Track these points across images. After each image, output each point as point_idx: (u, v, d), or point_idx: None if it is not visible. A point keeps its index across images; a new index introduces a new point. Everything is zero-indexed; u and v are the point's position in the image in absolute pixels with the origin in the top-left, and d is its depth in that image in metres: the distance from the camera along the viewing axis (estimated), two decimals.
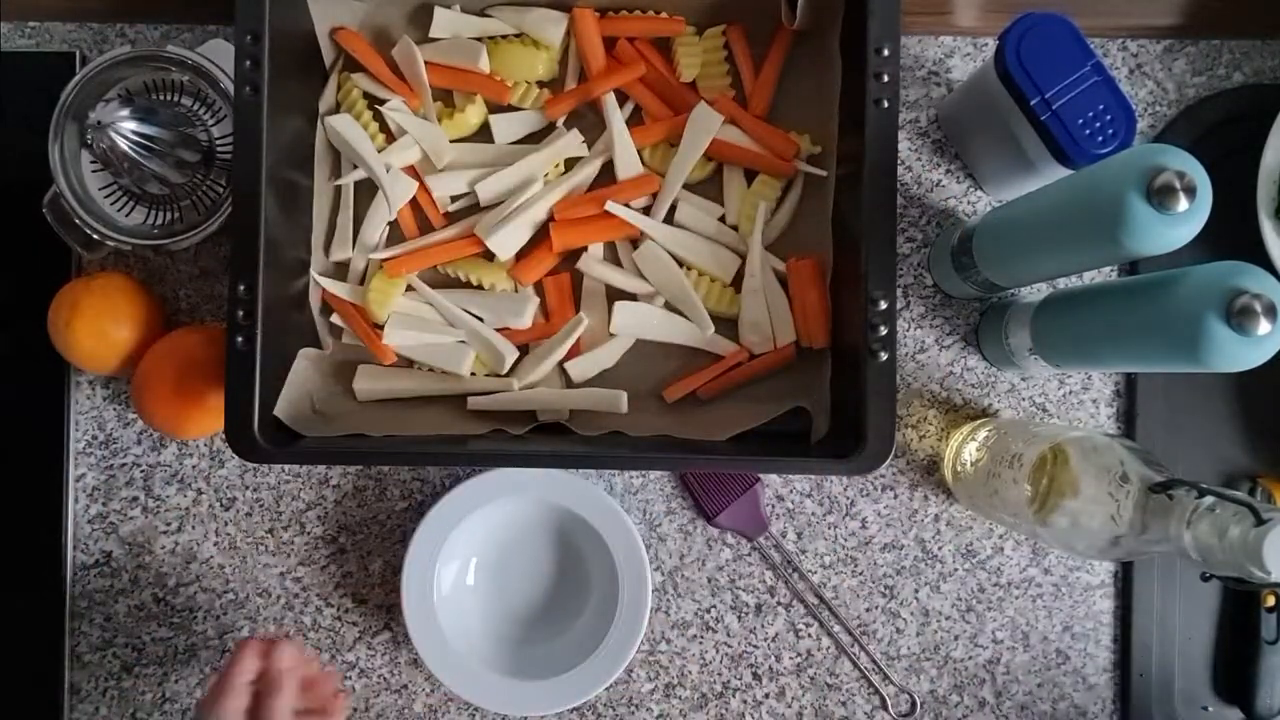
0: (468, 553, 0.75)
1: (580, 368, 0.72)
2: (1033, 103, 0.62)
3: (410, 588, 0.72)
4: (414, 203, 0.74)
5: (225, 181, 0.73)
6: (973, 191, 0.76)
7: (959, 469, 0.71)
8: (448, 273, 0.74)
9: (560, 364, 0.72)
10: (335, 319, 0.73)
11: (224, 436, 0.65)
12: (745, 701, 0.76)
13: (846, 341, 0.68)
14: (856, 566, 0.76)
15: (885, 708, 0.75)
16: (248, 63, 0.64)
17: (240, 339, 0.64)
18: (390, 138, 0.73)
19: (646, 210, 0.73)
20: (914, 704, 0.75)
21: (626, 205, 0.72)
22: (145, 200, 0.73)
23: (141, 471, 0.76)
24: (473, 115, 0.73)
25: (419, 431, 0.70)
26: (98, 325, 0.70)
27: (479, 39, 0.73)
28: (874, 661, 0.75)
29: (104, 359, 0.71)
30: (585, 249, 0.73)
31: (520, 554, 0.76)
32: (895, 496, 0.76)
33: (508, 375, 0.72)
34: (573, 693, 0.72)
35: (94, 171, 0.73)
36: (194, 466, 0.76)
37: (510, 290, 0.73)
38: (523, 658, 0.74)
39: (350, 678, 0.76)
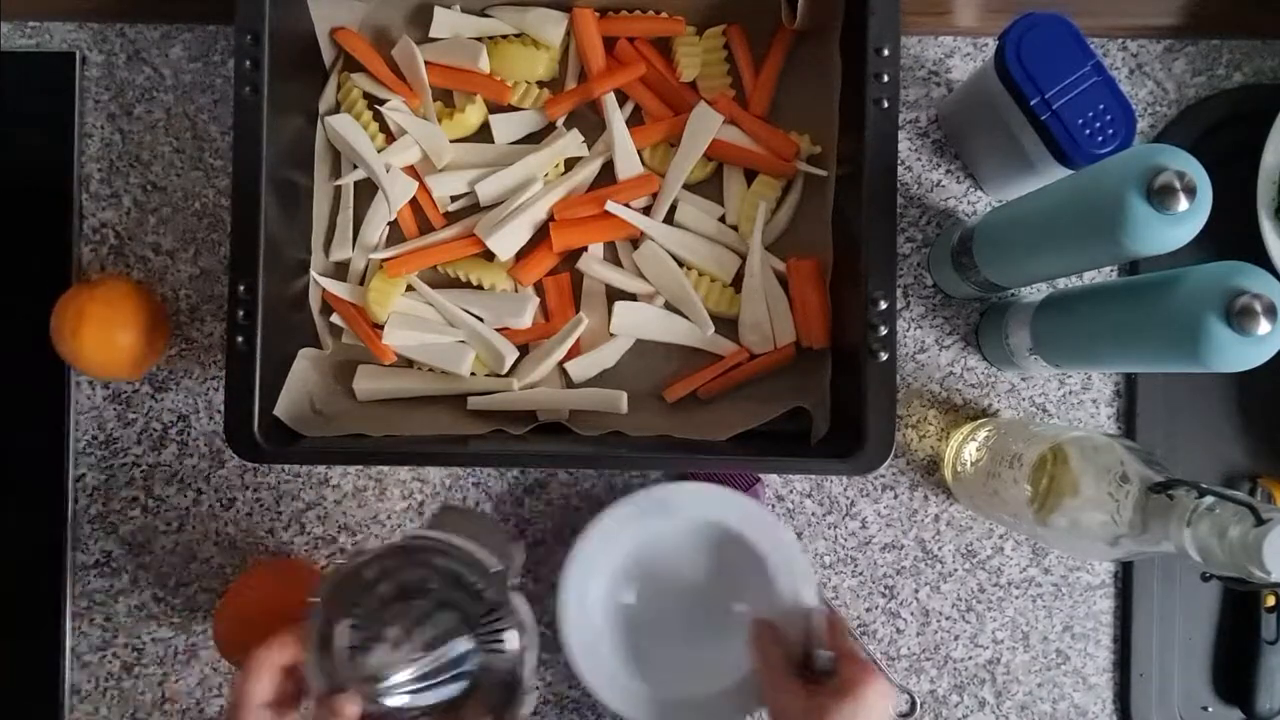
0: (621, 570, 0.72)
1: (580, 368, 0.72)
2: (1033, 103, 0.62)
3: (568, 609, 0.69)
4: (414, 203, 0.74)
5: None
6: (973, 191, 0.76)
7: (959, 469, 0.72)
8: (448, 273, 0.74)
9: (560, 364, 0.72)
10: (335, 319, 0.73)
11: (224, 437, 0.65)
12: None
13: (846, 341, 0.68)
14: (856, 566, 0.76)
15: None
16: (248, 63, 0.64)
17: (240, 339, 0.64)
18: (390, 138, 0.73)
19: (646, 210, 0.73)
20: (914, 704, 0.75)
21: (626, 205, 0.72)
22: None
23: (141, 471, 0.76)
24: (473, 115, 0.73)
25: (419, 431, 0.70)
26: (105, 333, 0.69)
27: (479, 39, 0.73)
28: (873, 661, 0.75)
29: (112, 365, 0.70)
30: (585, 249, 0.73)
31: (674, 569, 0.73)
32: (895, 496, 0.76)
33: (508, 375, 0.72)
34: (737, 709, 0.69)
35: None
36: (194, 466, 0.76)
37: (510, 290, 0.73)
38: (680, 675, 0.71)
39: None
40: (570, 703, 0.76)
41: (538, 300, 0.73)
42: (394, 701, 0.53)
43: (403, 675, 0.52)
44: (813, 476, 0.76)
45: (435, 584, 0.56)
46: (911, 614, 0.76)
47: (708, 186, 0.75)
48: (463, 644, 0.54)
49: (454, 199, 0.74)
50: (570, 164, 0.74)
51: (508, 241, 0.71)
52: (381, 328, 0.72)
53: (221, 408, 0.74)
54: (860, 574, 0.76)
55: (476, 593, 0.56)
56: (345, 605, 0.55)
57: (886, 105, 0.64)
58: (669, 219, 0.73)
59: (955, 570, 0.76)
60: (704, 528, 0.71)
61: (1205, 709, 0.74)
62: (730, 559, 0.72)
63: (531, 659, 0.56)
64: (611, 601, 0.72)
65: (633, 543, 0.71)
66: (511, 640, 0.56)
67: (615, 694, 0.69)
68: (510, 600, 0.56)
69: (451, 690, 0.54)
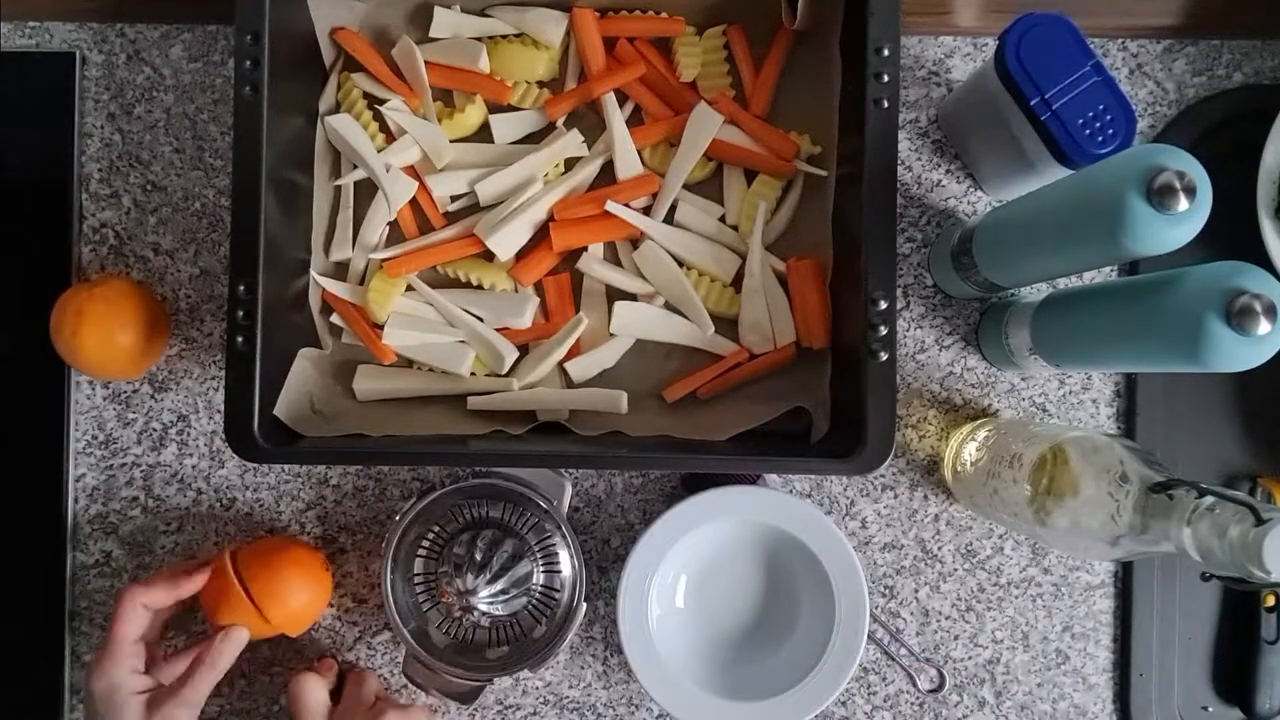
0: (677, 573, 0.73)
1: (580, 368, 0.72)
2: (1033, 103, 0.62)
3: (626, 611, 0.69)
4: (414, 203, 0.74)
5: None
6: (973, 191, 0.76)
7: (959, 469, 0.71)
8: (448, 273, 0.74)
9: (560, 364, 0.72)
10: (335, 319, 0.73)
11: (224, 437, 0.65)
12: None
13: (846, 341, 0.68)
14: None
15: (914, 684, 0.75)
16: (248, 63, 0.64)
17: (240, 339, 0.64)
18: (390, 138, 0.73)
19: (646, 210, 0.73)
20: (942, 680, 0.75)
21: (626, 205, 0.72)
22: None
23: (141, 471, 0.76)
24: (473, 115, 0.73)
25: (419, 431, 0.70)
26: (105, 333, 0.69)
27: (479, 39, 0.73)
28: (894, 636, 0.75)
29: (112, 365, 0.70)
30: (585, 249, 0.73)
31: (728, 573, 0.74)
32: (895, 496, 0.76)
33: (508, 375, 0.72)
34: (792, 713, 0.70)
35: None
36: (194, 466, 0.76)
37: (510, 290, 0.73)
38: (734, 678, 0.72)
39: None
40: (570, 703, 0.76)
41: (538, 300, 0.73)
42: (480, 608, 0.66)
43: (487, 590, 0.66)
44: (813, 476, 0.76)
45: (500, 514, 0.69)
46: (911, 614, 0.76)
47: (708, 186, 0.75)
48: (526, 565, 0.67)
49: (454, 199, 0.74)
50: (570, 164, 0.74)
51: (508, 241, 0.71)
52: (381, 328, 0.72)
53: (221, 408, 0.74)
54: None
55: (535, 523, 0.68)
56: (423, 532, 0.69)
57: (886, 105, 0.64)
58: (669, 219, 0.73)
59: (955, 570, 0.76)
60: (763, 532, 0.72)
61: (1205, 709, 0.74)
62: (788, 565, 0.73)
63: (581, 579, 0.68)
64: (670, 604, 0.73)
65: (691, 546, 0.72)
66: (565, 561, 0.68)
67: (671, 696, 0.70)
68: (563, 528, 0.68)
69: (519, 604, 0.68)
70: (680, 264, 0.73)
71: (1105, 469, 0.55)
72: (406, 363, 0.73)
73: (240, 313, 0.64)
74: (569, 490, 0.73)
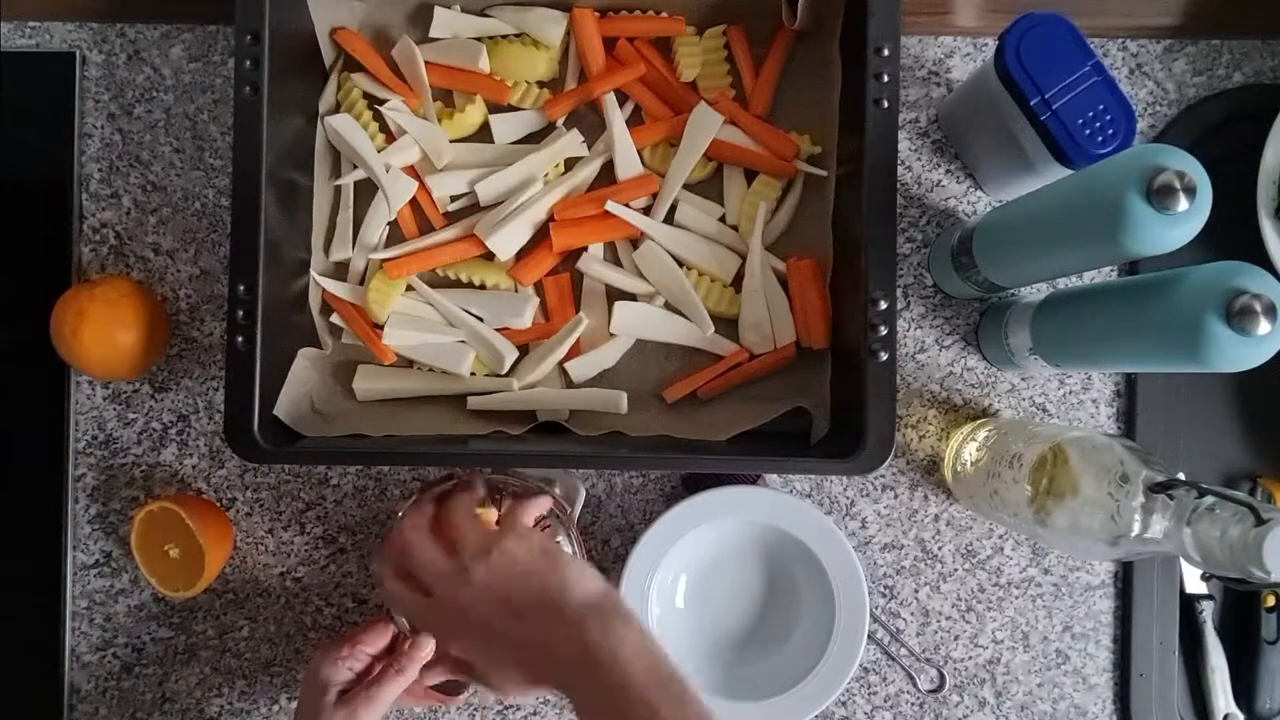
0: (677, 573, 0.73)
1: (580, 368, 0.72)
2: (1033, 103, 0.62)
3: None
4: (414, 203, 0.74)
5: None
6: (973, 191, 0.76)
7: (959, 469, 0.72)
8: (448, 273, 0.74)
9: (560, 364, 0.72)
10: (335, 319, 0.73)
11: (224, 437, 0.65)
12: None
13: (846, 341, 0.68)
14: None
15: (914, 684, 0.75)
16: (248, 63, 0.64)
17: (240, 339, 0.64)
18: (390, 138, 0.73)
19: (646, 210, 0.73)
20: (942, 680, 0.75)
21: (626, 205, 0.72)
22: None
23: (141, 471, 0.76)
24: (473, 115, 0.73)
25: (419, 431, 0.70)
26: (106, 332, 0.69)
27: (479, 39, 0.73)
28: (895, 636, 0.75)
29: (112, 365, 0.70)
30: (585, 249, 0.73)
31: (728, 573, 0.74)
32: (895, 496, 0.76)
33: (508, 375, 0.72)
34: (792, 713, 0.70)
35: None
36: (194, 466, 0.76)
37: (510, 290, 0.73)
38: (734, 678, 0.72)
39: None
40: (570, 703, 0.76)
41: (538, 300, 0.73)
42: None
43: None
44: (813, 476, 0.76)
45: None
46: (911, 614, 0.76)
47: (708, 186, 0.75)
48: None
49: (454, 199, 0.74)
50: (570, 164, 0.74)
51: (508, 241, 0.71)
52: (381, 328, 0.72)
53: (221, 408, 0.74)
54: None
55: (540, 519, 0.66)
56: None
57: (886, 105, 0.64)
58: (669, 219, 0.73)
59: (955, 570, 0.76)
60: (763, 532, 0.72)
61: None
62: (788, 565, 0.73)
63: None
64: (669, 604, 0.73)
65: (691, 546, 0.71)
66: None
67: None
68: (571, 531, 0.67)
69: None
70: (680, 264, 0.73)
71: (1105, 469, 0.55)
72: (406, 363, 0.73)
73: (240, 313, 0.64)
74: (582, 494, 0.72)
